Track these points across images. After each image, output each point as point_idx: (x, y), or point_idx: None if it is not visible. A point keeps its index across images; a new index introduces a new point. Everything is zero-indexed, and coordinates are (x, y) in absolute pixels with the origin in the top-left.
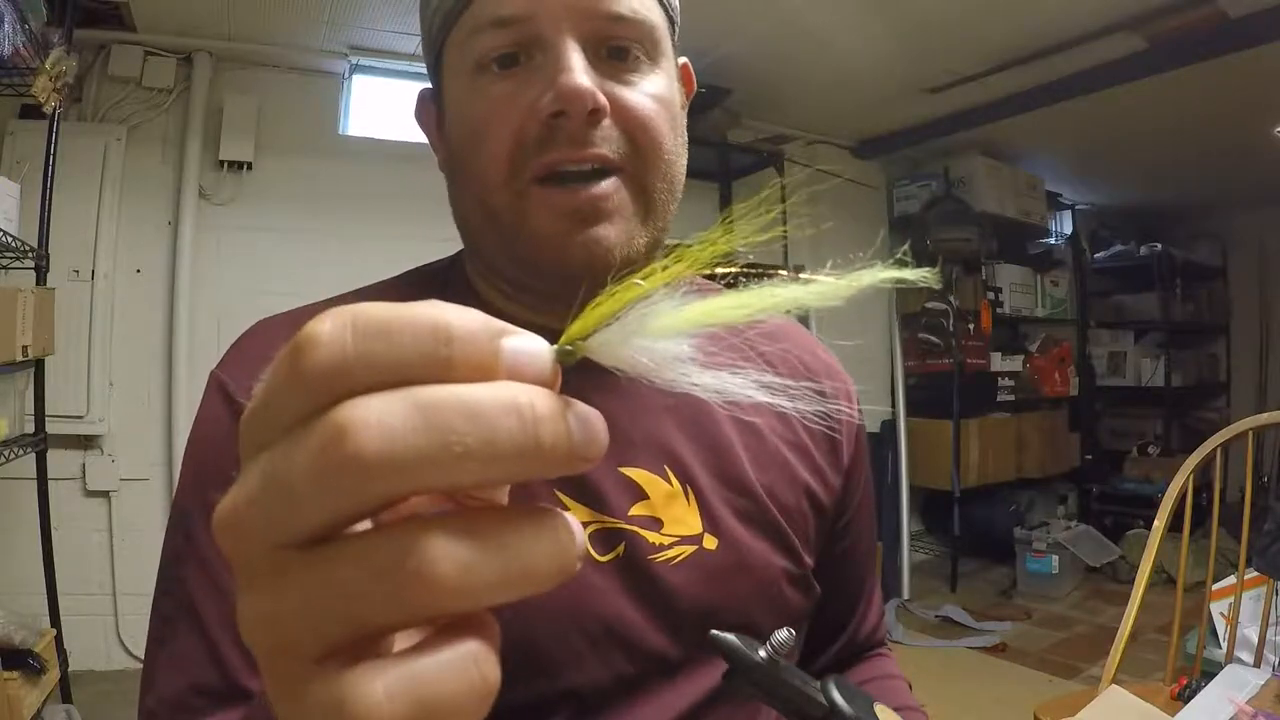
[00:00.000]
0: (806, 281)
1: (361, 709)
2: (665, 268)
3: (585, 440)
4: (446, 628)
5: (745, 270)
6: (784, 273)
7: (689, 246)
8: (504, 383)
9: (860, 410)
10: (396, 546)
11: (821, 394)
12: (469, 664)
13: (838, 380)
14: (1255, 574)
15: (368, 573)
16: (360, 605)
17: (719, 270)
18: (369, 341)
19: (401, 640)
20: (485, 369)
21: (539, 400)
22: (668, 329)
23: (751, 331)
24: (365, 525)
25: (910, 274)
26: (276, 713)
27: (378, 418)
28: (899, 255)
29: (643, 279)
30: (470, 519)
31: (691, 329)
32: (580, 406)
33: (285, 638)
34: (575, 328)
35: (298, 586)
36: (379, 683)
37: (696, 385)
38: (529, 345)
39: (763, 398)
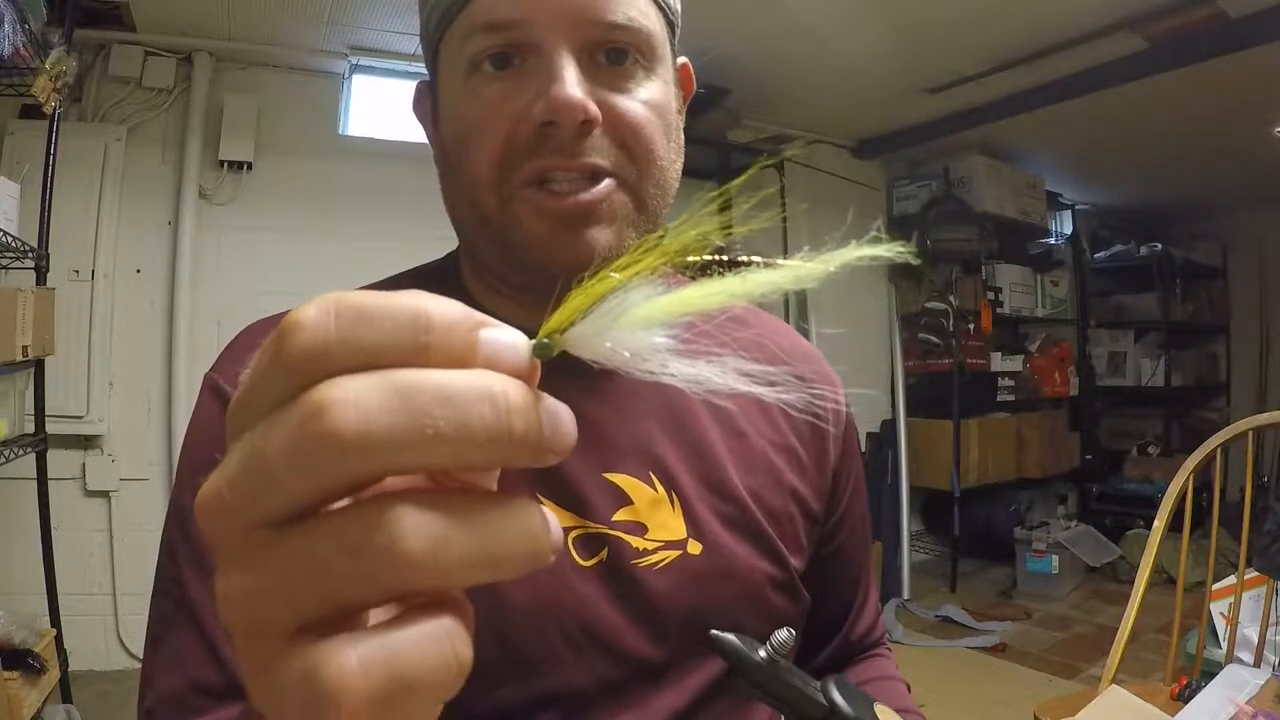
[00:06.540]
0: (780, 266)
1: (335, 678)
2: (640, 259)
3: (555, 433)
4: (421, 605)
5: (717, 259)
6: (757, 259)
7: (662, 237)
8: (480, 371)
9: (848, 405)
10: (367, 521)
11: (801, 379)
12: (443, 638)
13: (819, 368)
14: (1255, 574)
15: (339, 547)
16: (332, 580)
17: (692, 259)
18: (351, 326)
19: (375, 619)
20: (463, 358)
21: (513, 390)
22: (644, 320)
23: (724, 318)
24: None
25: (883, 250)
26: (249, 691)
27: (355, 397)
28: (873, 232)
29: (618, 271)
30: (442, 498)
31: (668, 318)
32: (551, 401)
33: (260, 614)
34: (552, 321)
35: (273, 563)
36: (353, 653)
37: (674, 375)
38: (507, 337)
39: (742, 386)
